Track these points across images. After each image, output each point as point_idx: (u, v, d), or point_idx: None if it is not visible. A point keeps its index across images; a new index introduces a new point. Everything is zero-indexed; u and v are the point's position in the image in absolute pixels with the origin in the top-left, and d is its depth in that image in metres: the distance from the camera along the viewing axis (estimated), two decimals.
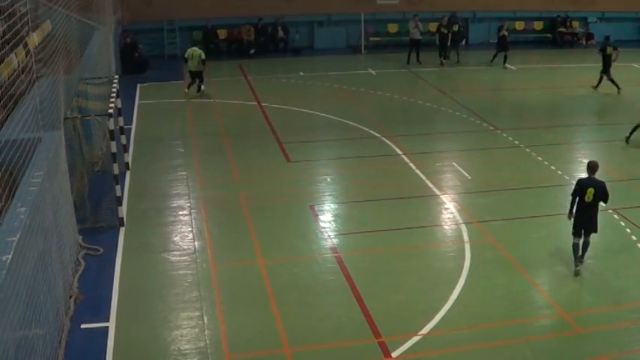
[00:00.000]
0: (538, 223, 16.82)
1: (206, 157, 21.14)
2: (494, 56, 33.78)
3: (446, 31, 34.00)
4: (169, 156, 21.36)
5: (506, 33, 33.59)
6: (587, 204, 14.02)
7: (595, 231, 14.27)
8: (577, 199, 14.13)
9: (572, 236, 14.31)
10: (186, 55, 27.80)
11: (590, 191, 13.92)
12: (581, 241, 14.24)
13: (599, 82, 28.29)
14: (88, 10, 22.26)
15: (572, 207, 14.23)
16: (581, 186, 14.07)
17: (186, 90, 28.15)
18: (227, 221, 16.95)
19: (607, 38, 29.00)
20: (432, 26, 36.45)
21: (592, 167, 14.15)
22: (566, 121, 25.28)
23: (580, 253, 14.26)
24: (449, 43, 34.24)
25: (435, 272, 14.66)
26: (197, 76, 27.87)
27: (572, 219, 14.25)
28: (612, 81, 27.93)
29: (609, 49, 27.81)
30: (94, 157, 19.34)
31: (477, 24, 39.55)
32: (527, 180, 19.17)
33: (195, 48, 27.93)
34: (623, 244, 15.60)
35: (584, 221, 14.15)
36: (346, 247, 15.69)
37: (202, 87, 28.09)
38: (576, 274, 14.11)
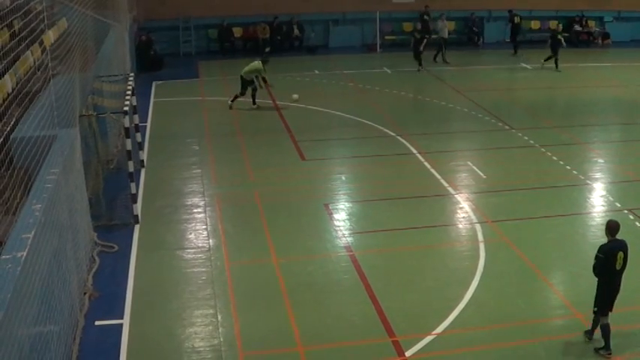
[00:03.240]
0: (553, 222, 16.74)
1: (221, 155, 21.18)
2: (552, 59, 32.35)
3: (419, 37, 32.30)
4: (184, 154, 21.41)
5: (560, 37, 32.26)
6: (617, 272, 11.58)
7: None
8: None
9: (599, 316, 11.77)
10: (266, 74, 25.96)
11: (620, 255, 11.49)
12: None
13: None
14: (104, 7, 22.34)
15: (600, 279, 11.69)
16: (608, 253, 11.49)
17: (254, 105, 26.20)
18: (242, 219, 16.97)
19: None
20: (449, 25, 36.52)
21: (612, 227, 11.67)
22: (582, 121, 25.13)
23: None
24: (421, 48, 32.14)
25: (449, 272, 14.62)
26: (250, 83, 25.85)
27: (601, 296, 11.70)
28: None
29: None
30: (109, 155, 19.43)
31: (492, 23, 39.41)
32: (542, 180, 19.08)
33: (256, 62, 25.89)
34: (639, 245, 15.46)
35: (615, 294, 11.68)
36: (360, 245, 15.67)
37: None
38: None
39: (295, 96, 26.08)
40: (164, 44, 35.41)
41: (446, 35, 34.39)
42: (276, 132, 23.39)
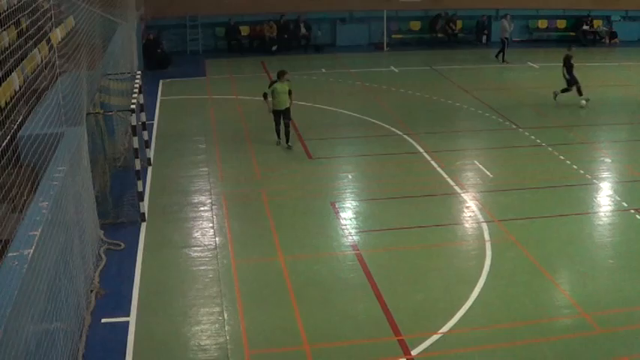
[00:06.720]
0: (560, 222, 16.70)
1: (227, 154, 21.19)
2: None
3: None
4: (191, 152, 21.43)
5: None
6: None
7: None
8: None
9: None
10: (269, 90, 21.46)
11: None
12: None
13: None
14: (111, 5, 22.37)
15: None
16: None
17: (287, 144, 21.64)
18: (248, 217, 16.98)
19: None
20: (457, 25, 36.49)
21: None
22: (589, 120, 25.09)
23: None
24: None
25: (456, 271, 14.60)
26: (287, 115, 21.72)
27: None
28: None
29: None
30: (116, 153, 19.45)
31: (499, 22, 39.30)
32: (549, 179, 19.05)
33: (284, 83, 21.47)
34: None
35: None
36: (367, 244, 15.67)
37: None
38: None
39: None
40: (171, 42, 35.52)
41: (507, 35, 34.32)
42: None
